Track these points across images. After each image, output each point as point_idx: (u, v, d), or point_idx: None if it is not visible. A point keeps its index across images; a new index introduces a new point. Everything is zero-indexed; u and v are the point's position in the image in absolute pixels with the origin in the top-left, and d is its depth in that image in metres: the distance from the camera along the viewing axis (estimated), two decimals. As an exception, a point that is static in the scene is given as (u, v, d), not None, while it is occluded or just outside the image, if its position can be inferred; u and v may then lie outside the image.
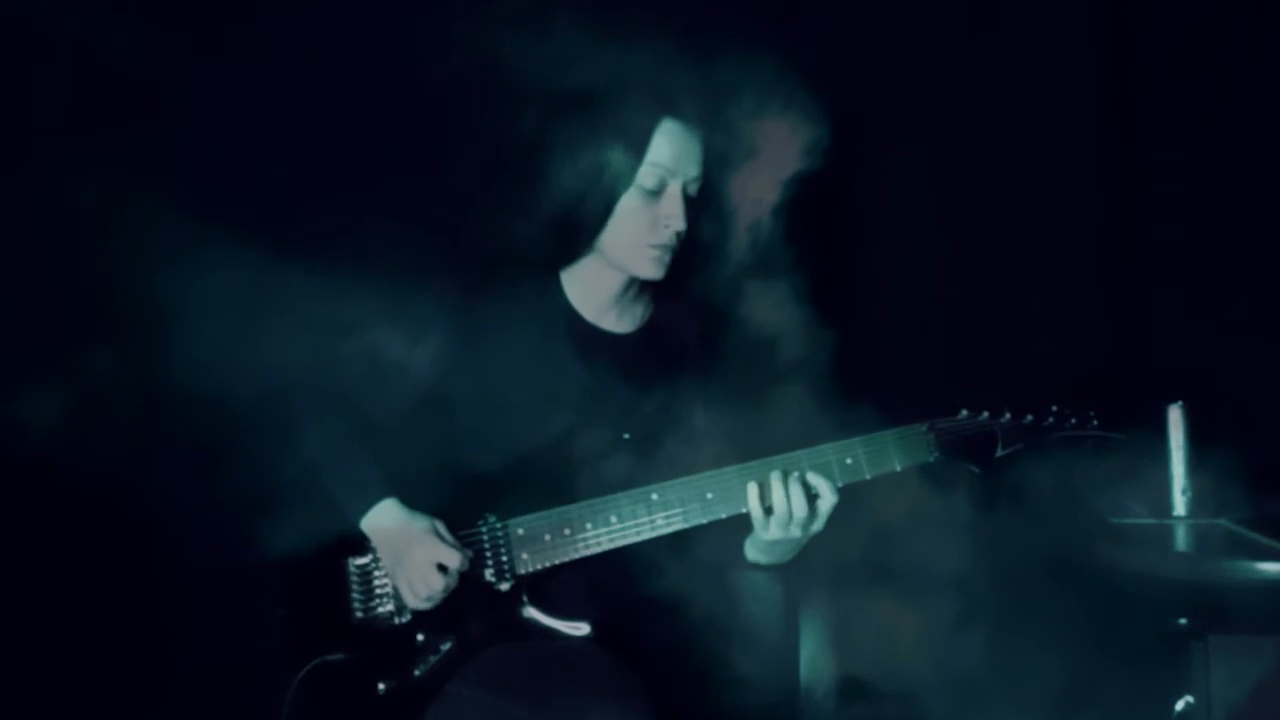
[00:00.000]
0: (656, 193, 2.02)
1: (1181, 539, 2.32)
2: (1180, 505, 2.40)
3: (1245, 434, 2.56)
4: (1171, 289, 2.66)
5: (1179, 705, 2.19)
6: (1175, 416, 2.40)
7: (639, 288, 2.14)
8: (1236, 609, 2.15)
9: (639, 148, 2.00)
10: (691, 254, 2.07)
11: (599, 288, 2.12)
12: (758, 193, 2.09)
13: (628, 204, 2.02)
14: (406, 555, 2.00)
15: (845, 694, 2.25)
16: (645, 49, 2.02)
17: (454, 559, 1.99)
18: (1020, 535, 2.30)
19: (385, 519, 2.04)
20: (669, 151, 2.01)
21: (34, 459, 2.28)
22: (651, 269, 2.06)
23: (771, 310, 2.08)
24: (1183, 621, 2.21)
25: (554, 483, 2.03)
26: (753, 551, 2.09)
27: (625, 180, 2.00)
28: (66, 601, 2.46)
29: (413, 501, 2.05)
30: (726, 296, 2.09)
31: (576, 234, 2.05)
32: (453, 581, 2.00)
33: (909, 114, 2.70)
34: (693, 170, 2.03)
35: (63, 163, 2.35)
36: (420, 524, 2.01)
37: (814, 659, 2.25)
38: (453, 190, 2.56)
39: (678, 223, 2.02)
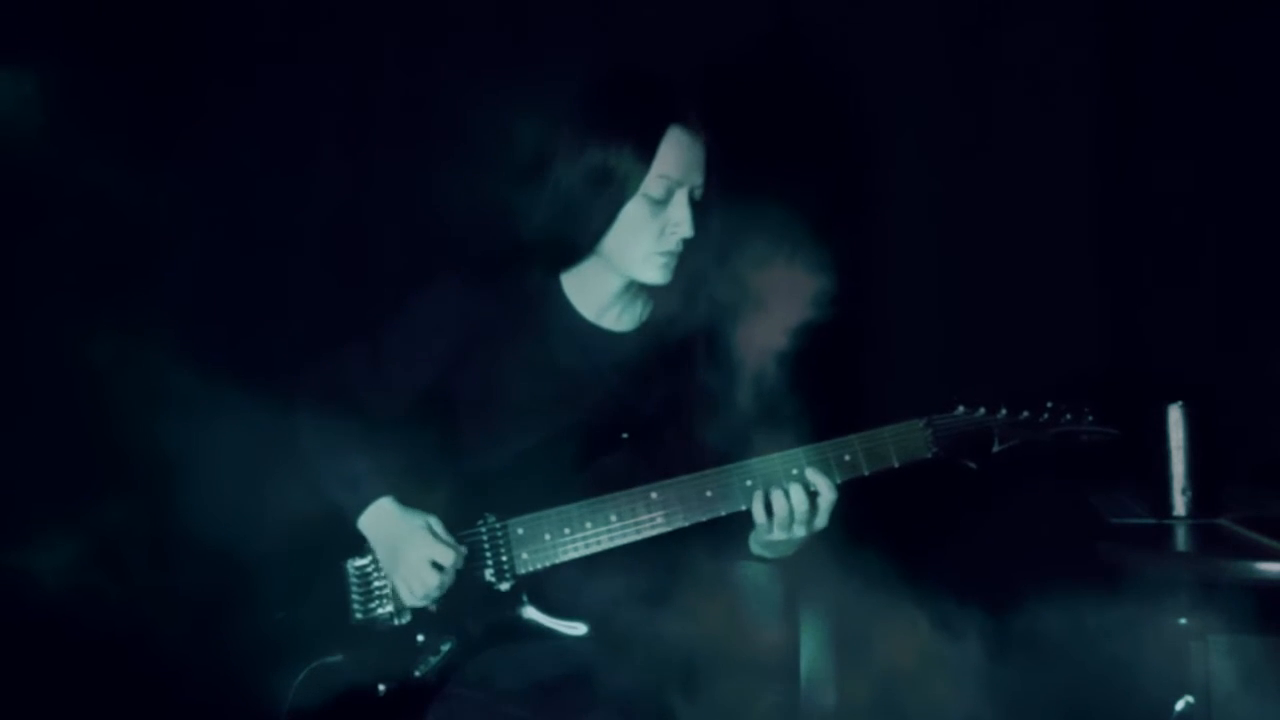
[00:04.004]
0: (663, 201, 2.02)
1: (1181, 539, 2.31)
2: (1180, 505, 2.39)
3: (1245, 434, 2.57)
4: (1171, 288, 2.66)
5: (1179, 705, 2.19)
6: (1175, 416, 2.39)
7: (639, 287, 2.14)
8: (1236, 609, 2.14)
9: (646, 158, 2.00)
10: (692, 253, 2.07)
11: (599, 287, 2.12)
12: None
13: (634, 212, 2.01)
14: (402, 554, 2.00)
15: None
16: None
17: (448, 556, 1.99)
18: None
19: (381, 518, 2.04)
20: (676, 161, 2.00)
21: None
22: (658, 275, 2.05)
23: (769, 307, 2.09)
24: (1183, 621, 2.20)
25: (553, 482, 2.03)
26: (756, 547, 2.08)
27: (631, 188, 2.00)
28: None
29: (413, 502, 2.04)
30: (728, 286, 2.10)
31: (579, 240, 2.04)
32: (449, 579, 2.00)
33: (910, 108, 2.71)
34: (698, 178, 2.03)
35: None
36: (415, 521, 2.01)
37: (814, 659, 2.26)
38: (455, 193, 2.59)
39: (686, 230, 2.02)
